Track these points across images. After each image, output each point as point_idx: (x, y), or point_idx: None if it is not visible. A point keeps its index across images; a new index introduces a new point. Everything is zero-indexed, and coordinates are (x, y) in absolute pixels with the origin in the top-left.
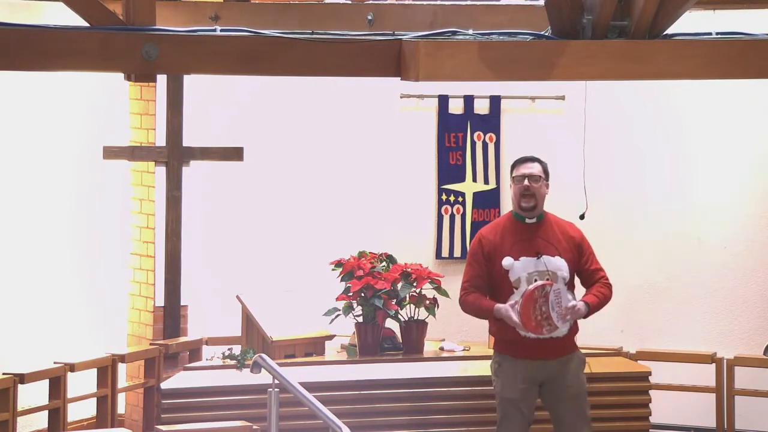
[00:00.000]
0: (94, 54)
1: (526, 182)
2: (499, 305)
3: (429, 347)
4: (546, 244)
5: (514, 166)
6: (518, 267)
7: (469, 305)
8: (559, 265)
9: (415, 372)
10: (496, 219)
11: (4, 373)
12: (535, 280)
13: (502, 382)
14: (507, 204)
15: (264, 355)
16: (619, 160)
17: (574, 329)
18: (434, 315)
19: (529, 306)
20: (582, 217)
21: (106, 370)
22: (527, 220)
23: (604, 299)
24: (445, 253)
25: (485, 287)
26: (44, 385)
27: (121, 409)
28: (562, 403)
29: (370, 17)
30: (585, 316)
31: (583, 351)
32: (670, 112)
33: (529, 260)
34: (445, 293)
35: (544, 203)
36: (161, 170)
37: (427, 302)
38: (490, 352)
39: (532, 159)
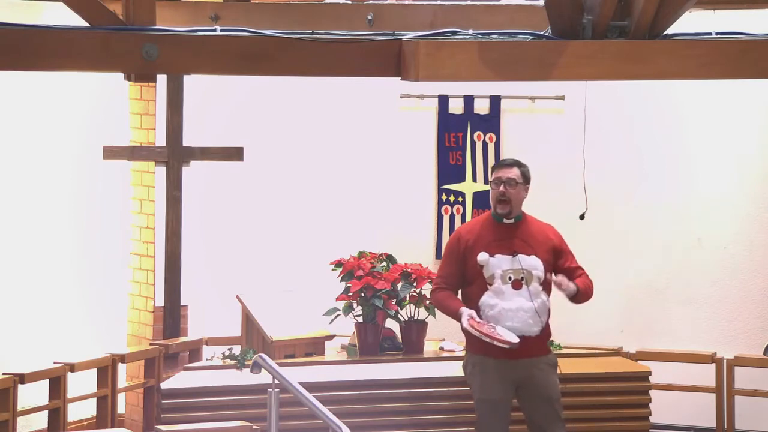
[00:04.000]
0: (94, 54)
1: (502, 188)
2: (463, 309)
3: (429, 347)
4: (522, 244)
5: (493, 168)
6: (493, 263)
7: (438, 302)
8: (534, 264)
9: (415, 372)
10: (475, 217)
11: (4, 373)
12: (510, 278)
13: (480, 382)
14: None
15: (264, 355)
16: (619, 160)
17: (546, 332)
18: (434, 315)
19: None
20: (582, 217)
21: (106, 370)
22: (505, 221)
23: (588, 288)
24: None
25: (458, 285)
26: (44, 385)
27: (121, 409)
28: (535, 405)
29: (370, 17)
30: (572, 296)
31: (584, 351)
32: (670, 112)
33: (505, 258)
34: None
35: (521, 206)
36: (161, 170)
37: (427, 302)
38: None
39: (512, 164)
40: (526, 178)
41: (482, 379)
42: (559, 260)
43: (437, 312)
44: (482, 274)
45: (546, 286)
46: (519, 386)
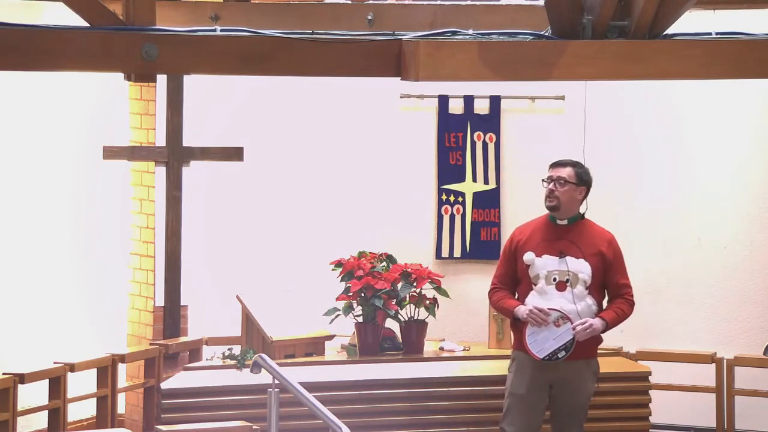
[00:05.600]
0: (94, 54)
1: (551, 185)
2: (519, 307)
3: (429, 347)
4: (571, 246)
5: (549, 167)
6: (539, 264)
7: (494, 303)
8: (581, 267)
9: (415, 372)
10: (534, 219)
11: (4, 373)
12: (554, 279)
13: (513, 376)
14: (507, 204)
15: (264, 355)
16: (619, 160)
17: (592, 336)
18: (434, 315)
19: None
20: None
21: (106, 370)
22: (558, 221)
23: (623, 316)
24: (445, 253)
25: (513, 284)
26: (44, 385)
27: (121, 409)
28: (560, 407)
29: (370, 17)
30: (602, 332)
31: None
32: (670, 112)
33: (552, 259)
34: (445, 293)
35: (574, 207)
36: (161, 170)
37: (427, 302)
38: (490, 352)
39: (566, 163)
40: (581, 180)
41: (516, 374)
42: (608, 272)
43: (437, 312)
44: (528, 273)
45: (593, 290)
46: (553, 386)
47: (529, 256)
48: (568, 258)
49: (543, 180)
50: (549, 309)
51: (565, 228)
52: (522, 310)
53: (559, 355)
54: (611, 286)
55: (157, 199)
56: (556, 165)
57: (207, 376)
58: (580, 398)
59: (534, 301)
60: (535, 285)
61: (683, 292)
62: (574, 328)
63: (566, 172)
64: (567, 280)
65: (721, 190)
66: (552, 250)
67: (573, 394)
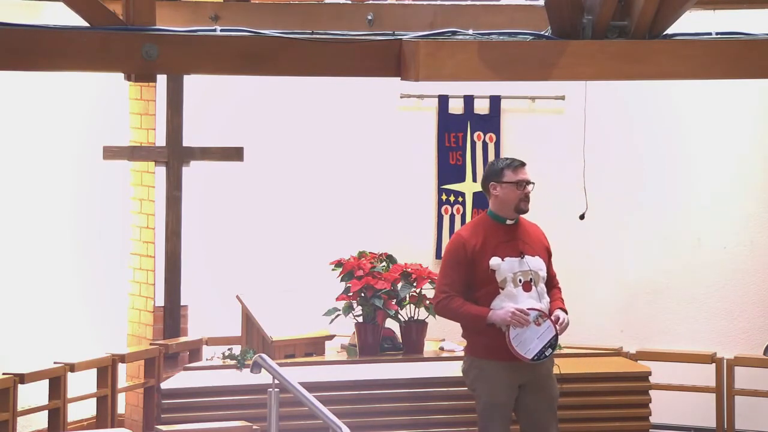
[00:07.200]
0: (94, 54)
1: (529, 188)
2: (494, 312)
3: (429, 347)
4: (525, 245)
5: (510, 168)
6: (504, 267)
7: (451, 311)
8: (539, 265)
9: (415, 372)
10: (471, 220)
11: (4, 373)
12: (520, 280)
13: (489, 387)
14: None
15: (264, 355)
16: (619, 160)
17: None
18: (434, 315)
19: None
20: (582, 217)
21: (106, 370)
22: (508, 222)
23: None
24: None
25: (466, 291)
26: (44, 385)
27: (121, 409)
28: (535, 405)
29: (370, 17)
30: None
31: (583, 351)
32: (670, 112)
33: (514, 260)
34: None
35: None
36: (161, 170)
37: (427, 302)
38: None
39: (524, 164)
40: None
41: (490, 382)
42: (549, 262)
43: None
44: (492, 278)
45: (546, 286)
46: (523, 386)
47: (495, 261)
48: (527, 257)
49: (513, 183)
50: (528, 309)
51: (513, 227)
52: (501, 314)
53: (547, 353)
54: (549, 278)
55: (157, 199)
56: (522, 167)
57: (207, 376)
58: (553, 390)
59: (503, 304)
60: (503, 289)
61: (683, 292)
62: (554, 323)
63: (529, 174)
64: (531, 280)
65: (721, 190)
66: (512, 252)
67: (546, 388)
